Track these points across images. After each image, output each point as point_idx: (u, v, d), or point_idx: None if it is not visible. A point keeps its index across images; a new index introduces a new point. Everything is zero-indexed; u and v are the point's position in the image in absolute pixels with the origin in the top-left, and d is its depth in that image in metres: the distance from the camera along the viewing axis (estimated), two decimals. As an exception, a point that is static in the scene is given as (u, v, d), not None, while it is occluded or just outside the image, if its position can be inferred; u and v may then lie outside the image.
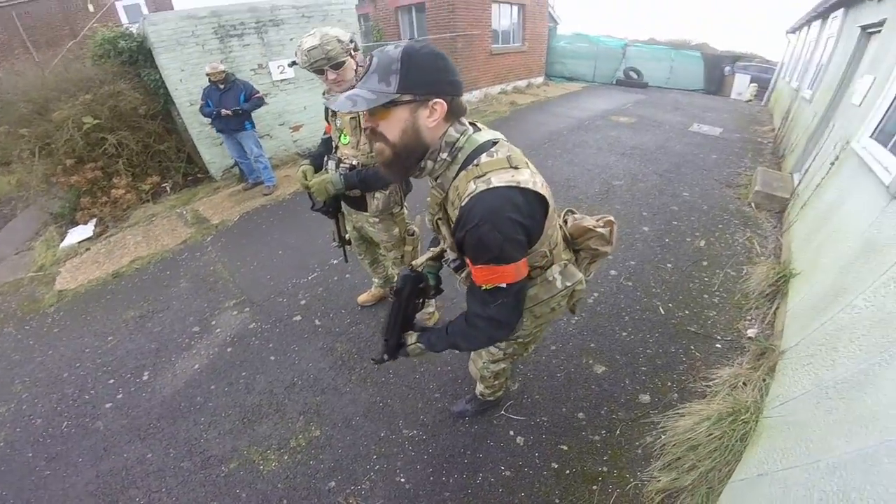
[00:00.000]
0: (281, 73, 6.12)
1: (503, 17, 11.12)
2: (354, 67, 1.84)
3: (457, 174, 0.99)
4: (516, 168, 0.96)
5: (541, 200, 1.00)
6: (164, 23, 5.15)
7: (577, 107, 9.74)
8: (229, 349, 2.80)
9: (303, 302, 3.19)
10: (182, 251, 4.33)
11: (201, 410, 2.38)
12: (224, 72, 4.79)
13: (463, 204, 0.94)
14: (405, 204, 2.20)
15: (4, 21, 10.73)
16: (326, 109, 2.05)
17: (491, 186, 0.91)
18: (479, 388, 1.99)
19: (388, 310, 1.30)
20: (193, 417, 2.34)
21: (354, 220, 2.23)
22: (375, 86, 0.89)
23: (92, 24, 6.88)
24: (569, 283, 1.21)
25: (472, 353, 1.77)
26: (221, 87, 4.84)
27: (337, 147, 1.99)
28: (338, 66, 1.75)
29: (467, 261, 1.03)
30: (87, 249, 4.80)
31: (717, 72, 13.30)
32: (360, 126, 1.86)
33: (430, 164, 1.00)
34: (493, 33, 10.74)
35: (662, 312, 2.84)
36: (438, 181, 1.05)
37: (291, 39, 5.96)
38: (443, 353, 2.48)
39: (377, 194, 2.00)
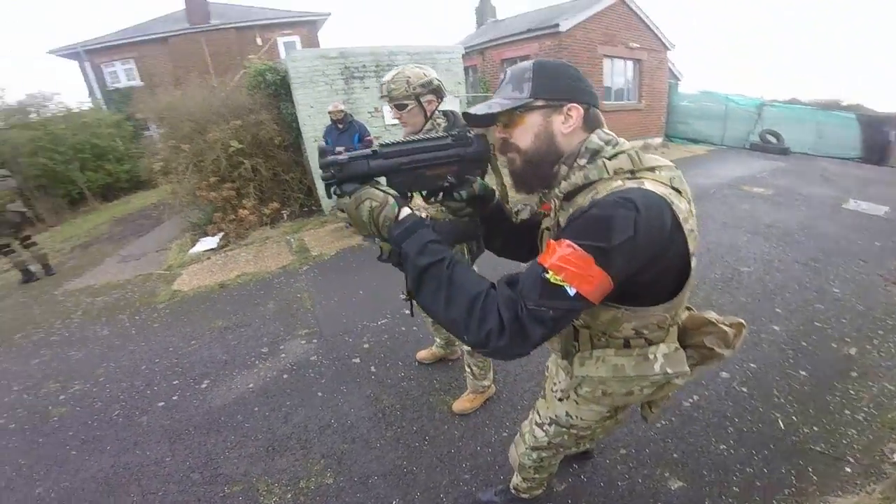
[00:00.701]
0: (393, 117, 6.55)
1: (616, 74, 10.80)
2: (424, 115, 1.77)
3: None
4: (679, 192, 0.83)
5: (683, 246, 0.81)
6: (301, 60, 5.85)
7: (702, 173, 8.83)
8: (285, 376, 2.83)
9: (366, 346, 3.14)
10: (279, 275, 4.65)
11: (236, 429, 2.39)
12: (343, 111, 5.21)
13: (600, 196, 0.80)
14: (473, 269, 2.02)
15: (194, 45, 13.33)
16: None
17: (644, 188, 0.78)
18: (516, 479, 1.66)
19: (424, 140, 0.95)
20: (225, 434, 2.37)
21: None
22: (510, 94, 0.91)
23: (254, 57, 8.11)
24: (669, 371, 0.94)
25: (517, 435, 1.47)
26: (340, 126, 5.27)
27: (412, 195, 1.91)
28: (399, 107, 1.71)
29: (549, 242, 0.79)
30: (208, 258, 5.46)
31: (880, 137, 11.15)
32: None
33: (563, 168, 0.91)
34: (604, 90, 10.46)
35: (782, 427, 2.22)
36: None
37: (406, 87, 6.39)
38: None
39: None
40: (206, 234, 6.21)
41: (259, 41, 13.31)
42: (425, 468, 2.06)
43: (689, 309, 1.05)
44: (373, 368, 2.86)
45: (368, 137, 5.36)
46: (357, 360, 2.95)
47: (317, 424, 2.37)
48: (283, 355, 3.07)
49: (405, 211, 0.86)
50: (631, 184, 0.79)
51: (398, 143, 0.92)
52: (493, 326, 0.74)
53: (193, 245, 5.97)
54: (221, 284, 4.54)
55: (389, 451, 2.16)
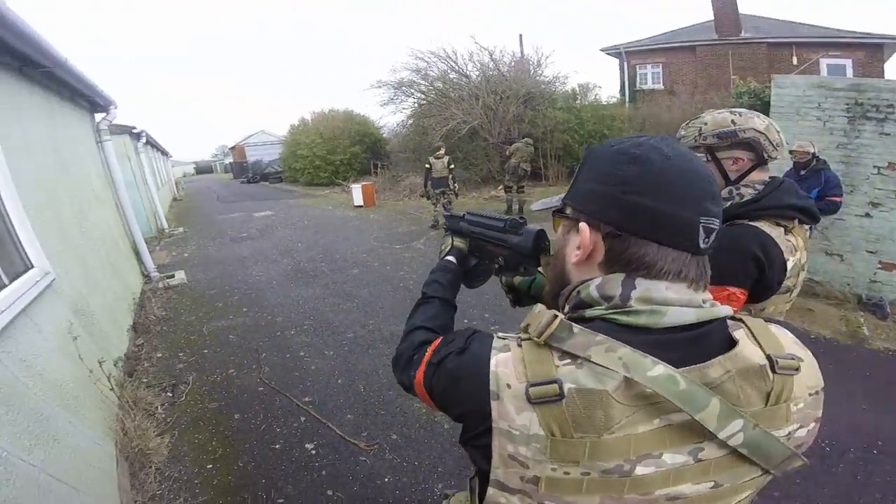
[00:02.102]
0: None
1: None
2: (722, 173, 1.32)
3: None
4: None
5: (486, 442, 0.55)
6: (790, 87, 4.88)
7: None
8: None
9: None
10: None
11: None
12: (811, 154, 4.09)
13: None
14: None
15: (719, 57, 13.09)
16: None
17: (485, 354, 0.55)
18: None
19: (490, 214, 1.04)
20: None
21: None
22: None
23: (736, 77, 7.31)
24: None
25: None
26: (802, 172, 4.20)
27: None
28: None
29: None
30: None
31: None
32: None
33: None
34: None
35: None
36: None
37: (969, 142, 3.99)
38: None
39: None
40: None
41: (795, 60, 11.32)
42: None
43: None
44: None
45: (834, 198, 3.98)
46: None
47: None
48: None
49: (448, 256, 1.03)
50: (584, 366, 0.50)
51: (481, 214, 1.03)
52: (402, 353, 0.81)
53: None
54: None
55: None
